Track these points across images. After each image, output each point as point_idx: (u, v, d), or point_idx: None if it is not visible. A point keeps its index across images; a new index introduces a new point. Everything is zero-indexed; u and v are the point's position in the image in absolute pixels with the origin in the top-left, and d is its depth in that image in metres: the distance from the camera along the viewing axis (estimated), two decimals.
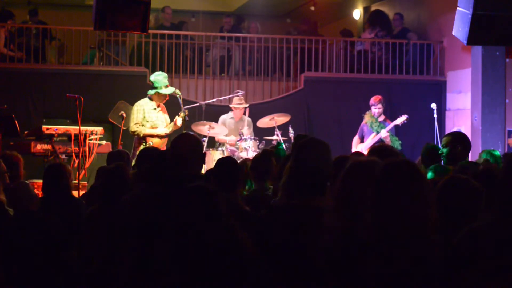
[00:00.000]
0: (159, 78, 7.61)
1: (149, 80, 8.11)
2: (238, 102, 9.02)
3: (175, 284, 2.42)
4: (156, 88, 7.57)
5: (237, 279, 2.25)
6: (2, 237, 3.69)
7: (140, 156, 4.42)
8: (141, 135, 7.52)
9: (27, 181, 4.34)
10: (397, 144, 8.30)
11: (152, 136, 7.53)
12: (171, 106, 8.14)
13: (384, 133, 8.29)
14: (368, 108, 8.79)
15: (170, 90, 7.55)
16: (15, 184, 4.11)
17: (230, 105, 9.12)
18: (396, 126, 8.50)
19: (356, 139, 8.69)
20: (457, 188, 2.70)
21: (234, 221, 2.50)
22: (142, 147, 7.57)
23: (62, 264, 3.61)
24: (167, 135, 7.54)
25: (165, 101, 7.64)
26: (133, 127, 7.50)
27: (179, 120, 7.59)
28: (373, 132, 8.44)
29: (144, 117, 7.52)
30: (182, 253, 2.30)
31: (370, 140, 8.31)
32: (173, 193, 3.24)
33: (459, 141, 4.95)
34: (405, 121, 8.36)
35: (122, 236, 3.48)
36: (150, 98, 7.61)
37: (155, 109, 7.61)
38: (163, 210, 3.20)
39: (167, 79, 7.66)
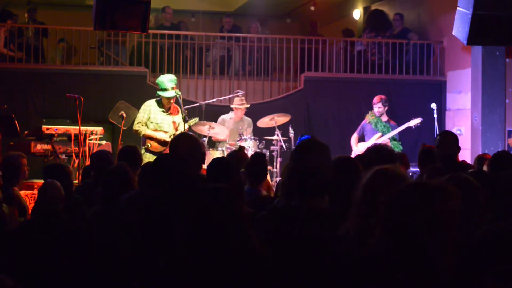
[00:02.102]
0: (162, 80, 7.62)
1: (155, 82, 8.13)
2: (239, 103, 9.00)
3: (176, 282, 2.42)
4: (160, 90, 7.59)
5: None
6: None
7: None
8: (141, 135, 7.59)
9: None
10: (398, 148, 8.28)
11: (151, 138, 7.54)
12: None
13: (385, 140, 8.23)
14: (368, 108, 8.79)
15: (171, 93, 7.53)
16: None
17: (231, 106, 9.11)
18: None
19: (354, 137, 8.66)
20: (458, 187, 2.71)
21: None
22: (142, 150, 7.58)
23: (68, 266, 3.63)
24: (166, 142, 7.51)
25: (171, 104, 7.62)
26: (135, 126, 7.60)
27: (185, 126, 7.62)
28: (376, 132, 8.42)
29: (149, 118, 7.56)
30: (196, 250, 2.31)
31: (375, 140, 8.27)
32: (172, 193, 3.25)
33: (452, 141, 4.95)
34: (419, 124, 8.32)
35: (123, 236, 3.49)
36: (160, 100, 7.64)
37: (163, 111, 7.61)
38: (162, 210, 3.21)
39: (173, 82, 7.62)
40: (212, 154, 8.39)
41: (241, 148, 6.14)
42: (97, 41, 10.92)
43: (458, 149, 4.95)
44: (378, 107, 8.49)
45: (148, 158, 7.41)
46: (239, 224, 2.32)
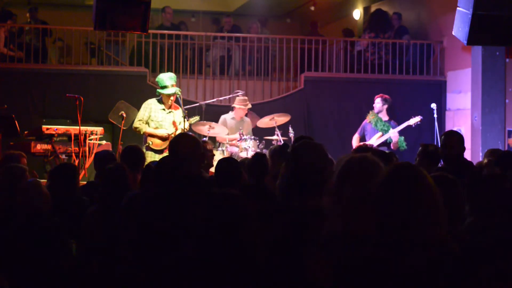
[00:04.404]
0: (162, 77, 7.62)
1: (155, 82, 8.12)
2: (243, 103, 8.99)
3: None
4: (160, 88, 7.59)
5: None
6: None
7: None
8: (141, 132, 7.58)
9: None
10: (403, 145, 8.31)
11: (152, 136, 7.54)
12: None
13: (393, 133, 8.26)
14: (368, 108, 8.78)
15: (171, 90, 7.53)
16: (27, 183, 4.06)
17: (234, 105, 9.09)
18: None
19: (356, 137, 8.66)
20: (444, 186, 2.74)
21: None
22: (143, 148, 7.57)
23: (62, 265, 3.62)
24: (168, 137, 7.50)
25: (171, 102, 7.62)
26: (136, 123, 7.58)
27: (186, 124, 7.62)
28: (377, 132, 8.42)
29: (150, 116, 7.56)
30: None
31: (376, 140, 8.28)
32: (174, 193, 3.25)
33: (457, 141, 4.94)
34: (419, 122, 8.34)
35: (123, 236, 3.49)
36: (161, 99, 7.64)
37: (164, 109, 7.60)
38: (163, 210, 3.21)
39: (173, 79, 7.62)
40: None
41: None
42: (97, 41, 10.92)
43: (463, 149, 4.90)
44: (376, 103, 8.52)
45: (150, 156, 7.41)
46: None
